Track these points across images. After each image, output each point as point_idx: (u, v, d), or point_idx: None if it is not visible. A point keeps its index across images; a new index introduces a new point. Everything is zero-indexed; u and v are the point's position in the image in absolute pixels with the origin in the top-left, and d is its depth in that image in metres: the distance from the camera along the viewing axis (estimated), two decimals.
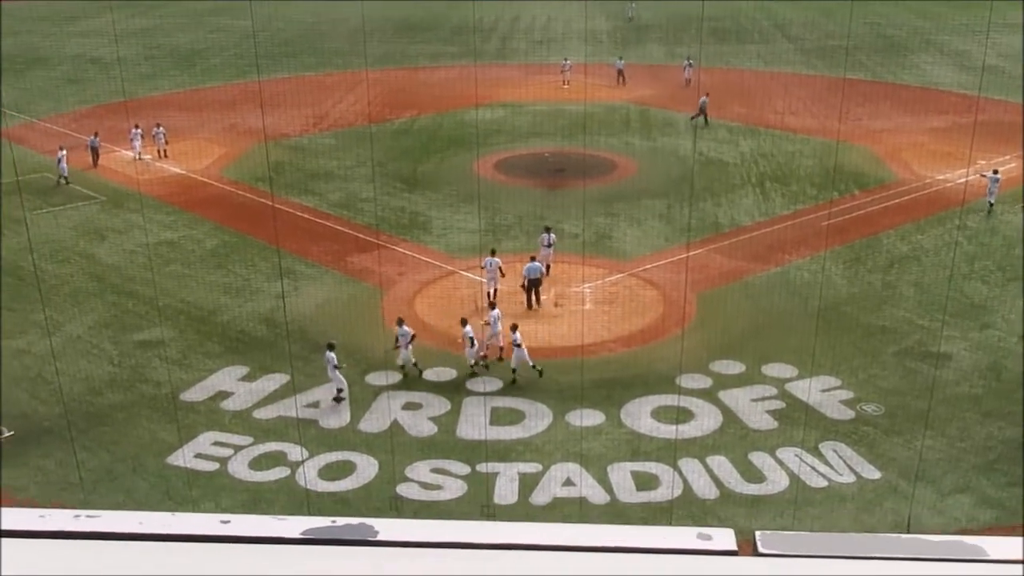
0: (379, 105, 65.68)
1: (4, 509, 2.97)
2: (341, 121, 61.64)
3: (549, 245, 37.95)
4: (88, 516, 3.05)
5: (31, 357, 32.29)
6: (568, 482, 25.27)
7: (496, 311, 31.25)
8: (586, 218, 43.41)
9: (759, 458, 26.08)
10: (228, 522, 3.02)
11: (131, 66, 76.24)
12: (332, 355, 28.94)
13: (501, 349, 31.21)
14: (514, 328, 30.18)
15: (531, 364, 29.88)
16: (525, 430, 27.79)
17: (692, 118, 61.00)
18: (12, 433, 28.02)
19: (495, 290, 35.18)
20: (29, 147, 55.09)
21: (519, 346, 29.58)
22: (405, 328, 30.37)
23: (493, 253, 35.71)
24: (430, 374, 30.86)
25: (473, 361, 30.31)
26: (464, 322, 30.59)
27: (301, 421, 27.81)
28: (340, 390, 29.06)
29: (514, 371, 29.77)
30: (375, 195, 46.98)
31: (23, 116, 62.77)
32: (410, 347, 30.31)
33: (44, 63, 79.65)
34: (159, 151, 54.39)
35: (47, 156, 53.48)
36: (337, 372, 28.98)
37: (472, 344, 30.08)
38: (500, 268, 34.99)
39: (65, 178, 49.68)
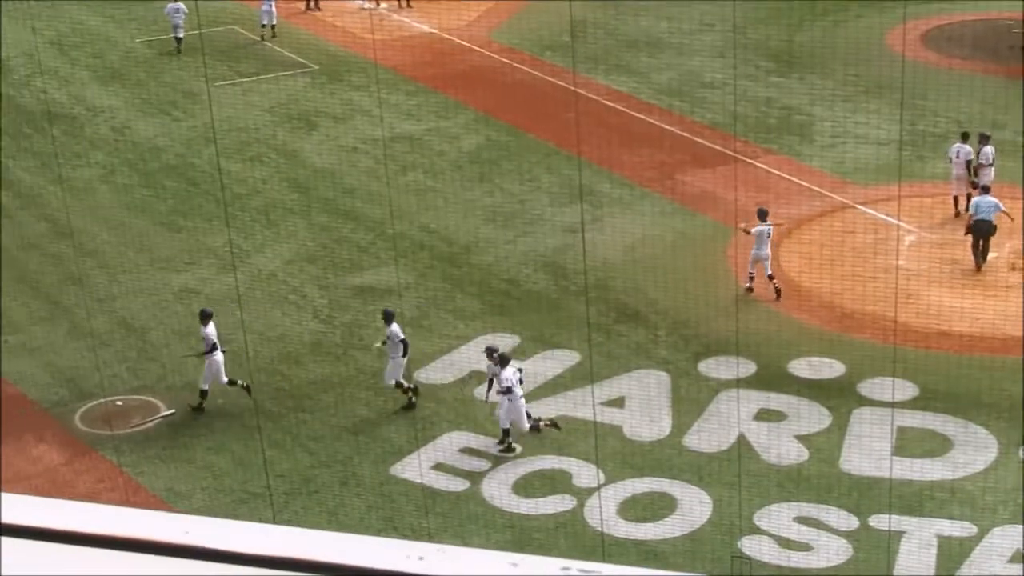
0: None
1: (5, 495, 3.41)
2: None
3: (991, 163, 37.01)
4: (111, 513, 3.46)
5: (202, 300, 34.72)
6: (1022, 557, 24.83)
7: (509, 371, 28.78)
8: None
9: None
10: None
11: None
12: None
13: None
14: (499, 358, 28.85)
15: (531, 421, 28.78)
16: (951, 467, 27.43)
17: None
18: (173, 412, 30.46)
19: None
20: None
21: (507, 391, 28.35)
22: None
23: (764, 217, 34.00)
24: (801, 365, 30.91)
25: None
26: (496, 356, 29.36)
27: (598, 426, 28.65)
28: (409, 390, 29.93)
29: (505, 435, 28.80)
30: (731, 78, 47.14)
31: None
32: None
33: None
34: None
35: (238, 1, 57.02)
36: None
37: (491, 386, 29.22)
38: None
39: (272, 26, 53.19)
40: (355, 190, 40.72)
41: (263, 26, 53.43)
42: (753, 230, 33.66)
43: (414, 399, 30.10)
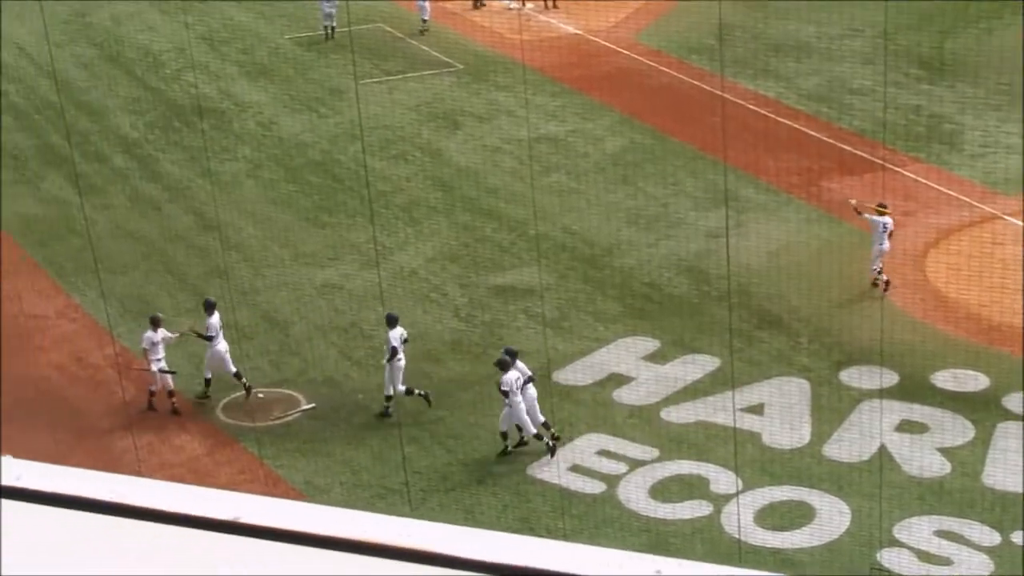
0: None
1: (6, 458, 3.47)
2: None
3: None
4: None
5: (344, 296, 35.25)
6: None
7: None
8: None
9: None
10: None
11: None
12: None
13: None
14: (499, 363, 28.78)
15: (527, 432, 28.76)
16: None
17: None
18: (313, 406, 30.89)
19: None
20: None
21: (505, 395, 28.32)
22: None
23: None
24: (945, 377, 30.57)
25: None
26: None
27: (737, 432, 28.58)
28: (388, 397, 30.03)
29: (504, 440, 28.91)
30: (879, 84, 46.68)
31: None
32: None
33: None
34: None
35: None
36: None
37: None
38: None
39: (424, 21, 54.08)
40: (498, 190, 40.97)
41: (424, 20, 54.10)
42: (869, 216, 33.78)
43: (390, 411, 30.16)
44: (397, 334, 30.25)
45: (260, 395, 31.08)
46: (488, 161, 43.16)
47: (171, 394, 30.64)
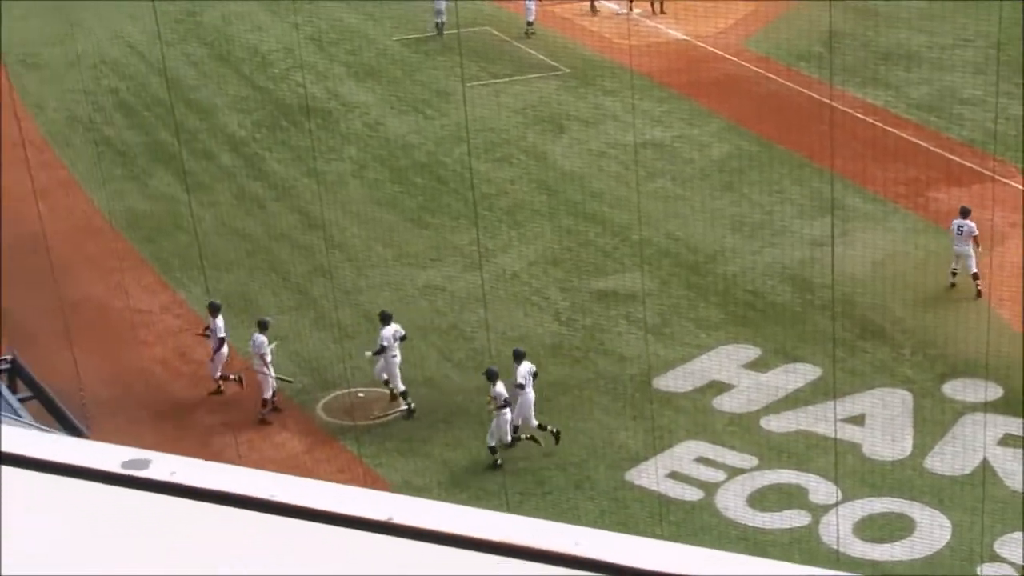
0: None
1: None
2: None
3: None
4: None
5: (446, 298, 35.45)
6: None
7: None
8: None
9: None
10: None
11: None
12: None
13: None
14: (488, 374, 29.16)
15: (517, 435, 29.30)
16: None
17: None
18: (412, 406, 31.09)
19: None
20: None
21: (504, 407, 28.78)
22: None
23: (964, 215, 33.68)
24: None
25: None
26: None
27: (838, 443, 28.45)
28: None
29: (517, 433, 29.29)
30: (989, 95, 46.13)
31: None
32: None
33: None
34: (654, 3, 56.93)
35: (489, 0, 57.90)
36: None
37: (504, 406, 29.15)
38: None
39: (529, 23, 54.28)
40: (602, 194, 41.00)
41: (529, 23, 54.33)
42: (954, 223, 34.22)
43: (405, 403, 30.84)
44: (390, 331, 30.70)
45: (360, 394, 31.32)
46: (593, 165, 43.20)
47: (268, 398, 30.94)
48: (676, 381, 31.47)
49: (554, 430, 29.43)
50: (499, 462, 28.93)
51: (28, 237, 36.93)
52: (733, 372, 31.70)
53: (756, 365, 31.87)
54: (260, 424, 30.74)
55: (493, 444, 29.01)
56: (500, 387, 28.83)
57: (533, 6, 54.42)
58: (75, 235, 38.69)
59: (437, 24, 54.89)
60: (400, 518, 3.12)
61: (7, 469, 3.08)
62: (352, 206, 40.67)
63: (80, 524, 3.01)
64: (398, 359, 30.57)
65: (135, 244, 38.93)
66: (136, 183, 43.01)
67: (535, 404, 29.38)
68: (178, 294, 35.91)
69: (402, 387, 30.85)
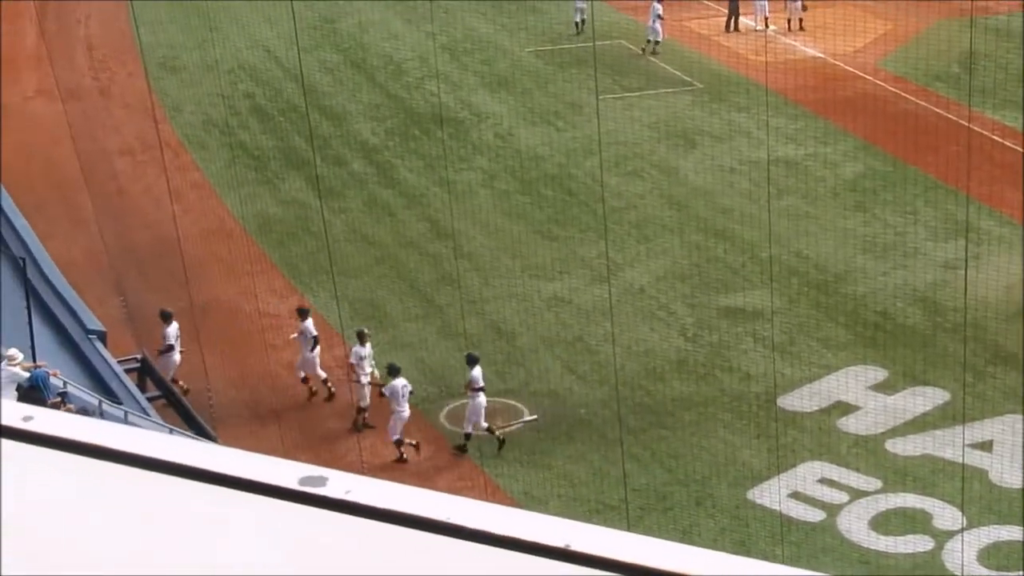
0: None
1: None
2: None
3: None
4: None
5: (571, 310, 35.53)
6: None
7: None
8: None
9: None
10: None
11: None
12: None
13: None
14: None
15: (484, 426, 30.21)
16: None
17: None
18: (536, 417, 31.22)
19: None
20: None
21: (477, 390, 29.92)
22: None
23: None
24: None
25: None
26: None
27: (964, 468, 28.12)
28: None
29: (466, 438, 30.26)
30: None
31: None
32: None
33: None
34: (791, 20, 56.64)
35: (626, 14, 57.92)
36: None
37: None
38: None
39: (656, 43, 54.15)
40: (731, 211, 40.86)
41: (648, 41, 54.33)
42: None
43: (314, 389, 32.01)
44: (366, 351, 31.12)
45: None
46: (723, 181, 43.07)
47: (362, 409, 31.15)
48: (801, 401, 31.31)
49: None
50: (467, 449, 30.11)
51: (162, 239, 37.68)
52: (859, 393, 31.49)
53: (883, 387, 31.62)
54: (357, 430, 31.02)
55: (469, 430, 30.04)
56: (477, 371, 29.90)
57: (659, 27, 54.22)
58: (207, 238, 39.27)
59: (576, 23, 55.67)
60: (577, 546, 3.15)
61: (188, 482, 3.17)
62: (481, 216, 40.89)
63: (262, 541, 3.09)
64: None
65: (266, 248, 39.45)
66: (268, 187, 43.57)
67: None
68: (306, 299, 36.32)
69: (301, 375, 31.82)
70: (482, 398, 29.91)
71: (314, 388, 32.15)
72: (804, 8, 56.59)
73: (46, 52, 55.81)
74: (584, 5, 54.38)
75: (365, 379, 30.86)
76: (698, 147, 45.92)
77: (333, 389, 31.95)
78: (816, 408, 31.06)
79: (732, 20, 57.00)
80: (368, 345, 31.14)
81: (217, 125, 48.04)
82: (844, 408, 30.88)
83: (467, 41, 56.16)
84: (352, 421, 31.15)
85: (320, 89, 51.13)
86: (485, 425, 30.18)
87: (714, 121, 47.93)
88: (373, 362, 31.08)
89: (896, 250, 38.14)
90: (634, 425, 30.47)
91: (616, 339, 31.94)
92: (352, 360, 31.06)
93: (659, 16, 54.11)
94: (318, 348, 31.95)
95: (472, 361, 30.34)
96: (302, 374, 32.12)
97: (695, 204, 41.59)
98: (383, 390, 29.90)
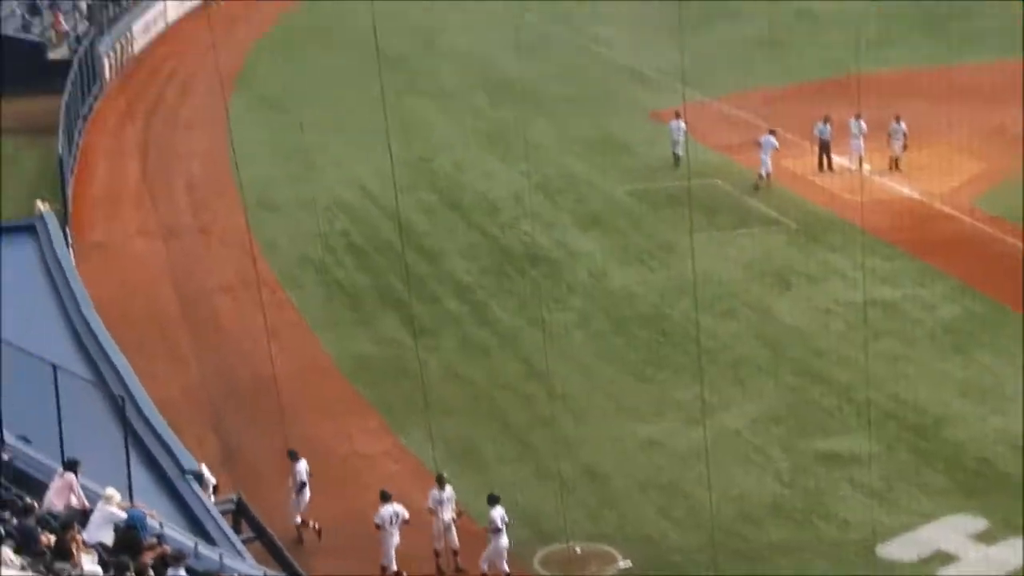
0: None
1: None
2: None
3: None
4: None
5: (666, 453, 35.36)
6: None
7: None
8: None
9: None
10: None
11: (849, 25, 79.08)
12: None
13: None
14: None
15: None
16: None
17: None
18: (628, 564, 30.96)
19: None
20: (695, 136, 59.89)
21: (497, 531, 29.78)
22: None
23: None
24: None
25: None
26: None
27: None
28: None
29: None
30: None
31: (692, 90, 68.32)
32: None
33: (733, 15, 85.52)
34: (892, 160, 56.57)
35: (718, 152, 58.19)
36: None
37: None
38: None
39: (767, 175, 54.75)
40: (826, 353, 40.64)
41: (760, 176, 54.72)
42: None
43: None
44: (303, 467, 31.84)
45: (578, 550, 31.28)
46: (817, 322, 42.87)
47: (455, 552, 31.07)
48: (900, 549, 30.85)
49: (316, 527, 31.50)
50: None
51: (258, 378, 38.05)
52: (960, 543, 30.99)
53: (984, 537, 31.11)
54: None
55: (484, 569, 30.05)
56: (498, 511, 29.84)
57: (768, 159, 54.54)
58: (303, 377, 39.58)
59: (675, 155, 56.39)
60: None
61: None
62: (575, 356, 40.93)
63: None
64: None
65: (360, 388, 39.68)
66: (363, 327, 43.89)
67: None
68: (399, 439, 36.44)
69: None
70: (504, 539, 29.84)
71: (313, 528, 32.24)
72: (905, 147, 56.50)
73: (147, 190, 57.01)
74: (681, 139, 54.93)
75: (442, 524, 30.81)
76: (793, 287, 45.80)
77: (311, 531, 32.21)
78: (916, 558, 30.56)
79: (825, 159, 57.03)
80: (448, 488, 31.09)
81: (312, 262, 48.62)
82: (944, 558, 30.39)
83: (560, 179, 56.59)
84: (447, 565, 31.12)
85: (416, 228, 51.63)
86: (507, 570, 29.98)
87: (809, 261, 47.87)
88: (453, 506, 30.98)
89: (995, 394, 37.71)
90: (729, 571, 30.11)
91: (711, 483, 31.72)
92: (430, 504, 30.97)
93: (774, 147, 54.74)
94: (307, 491, 32.04)
95: (493, 501, 30.22)
96: (298, 519, 32.13)
97: (790, 345, 41.40)
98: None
